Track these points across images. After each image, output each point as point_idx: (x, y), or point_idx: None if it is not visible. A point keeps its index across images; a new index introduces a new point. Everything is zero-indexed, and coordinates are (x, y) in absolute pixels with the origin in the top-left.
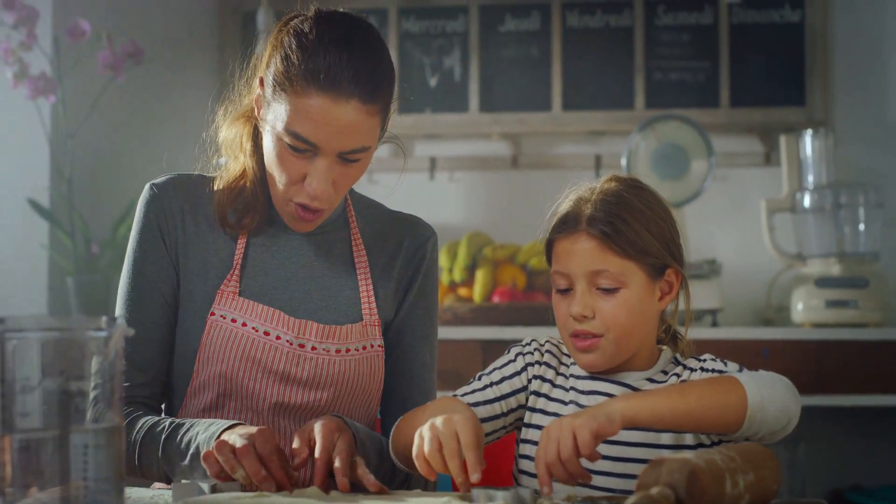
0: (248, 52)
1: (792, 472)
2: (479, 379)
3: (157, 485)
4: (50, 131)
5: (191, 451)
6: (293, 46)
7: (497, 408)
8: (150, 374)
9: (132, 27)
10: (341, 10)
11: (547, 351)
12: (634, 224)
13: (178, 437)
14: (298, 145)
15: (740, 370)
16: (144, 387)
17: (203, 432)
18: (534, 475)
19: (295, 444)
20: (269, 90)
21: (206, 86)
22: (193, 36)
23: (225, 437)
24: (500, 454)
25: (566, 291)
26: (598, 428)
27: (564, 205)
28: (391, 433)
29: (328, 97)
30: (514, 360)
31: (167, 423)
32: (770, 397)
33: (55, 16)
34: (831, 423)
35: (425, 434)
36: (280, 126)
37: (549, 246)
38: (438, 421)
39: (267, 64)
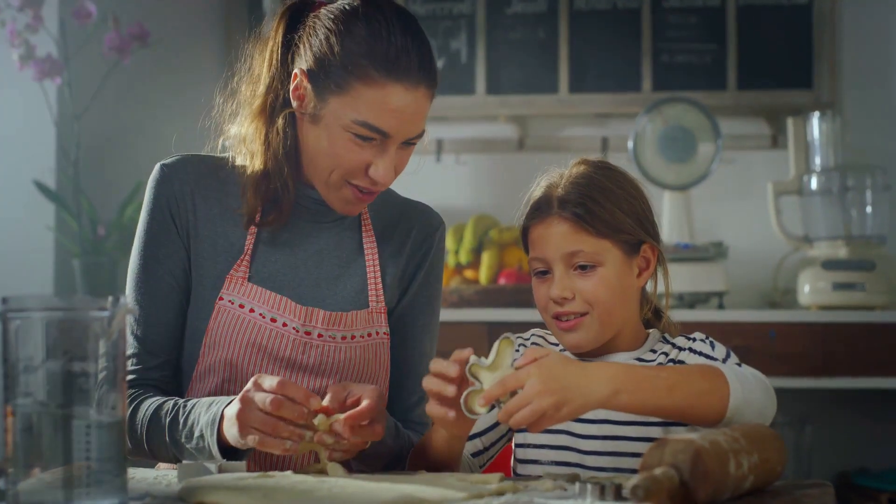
0: (252, 42)
1: (798, 454)
2: None
3: (161, 465)
4: (56, 113)
5: (195, 435)
6: (349, 34)
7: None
8: (163, 358)
9: (138, 9)
10: None
11: (533, 343)
12: (606, 203)
13: (181, 420)
14: (369, 134)
15: (728, 356)
16: (156, 370)
17: (204, 414)
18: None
19: (326, 402)
20: (321, 80)
21: (212, 68)
22: (200, 18)
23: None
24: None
25: (544, 274)
26: (571, 416)
27: (536, 191)
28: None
29: (402, 85)
30: None
31: (170, 406)
32: (750, 401)
33: None
34: (838, 406)
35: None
36: (348, 117)
37: (525, 233)
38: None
39: (313, 52)
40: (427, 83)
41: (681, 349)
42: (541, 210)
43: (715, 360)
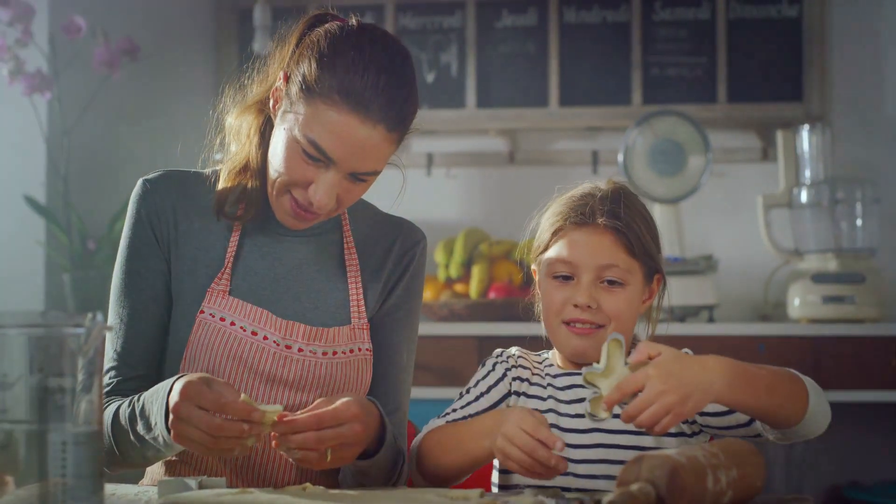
0: (274, 43)
1: (789, 468)
2: (468, 392)
3: (143, 482)
4: (46, 128)
5: (152, 424)
6: (331, 56)
7: None
8: (141, 371)
9: (128, 24)
10: (383, 28)
11: (520, 357)
12: (642, 226)
13: (137, 414)
14: (315, 154)
15: None
16: (133, 381)
17: (156, 403)
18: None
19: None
20: (294, 89)
21: (202, 82)
22: (189, 32)
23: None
24: None
25: (566, 278)
26: (696, 410)
27: (568, 199)
28: (417, 449)
29: (356, 117)
30: (494, 370)
31: (126, 403)
32: (821, 407)
33: (51, 12)
34: None
35: (506, 450)
36: (299, 130)
37: (554, 234)
38: (505, 432)
39: (297, 61)
40: (388, 125)
41: None
42: (583, 215)
43: None
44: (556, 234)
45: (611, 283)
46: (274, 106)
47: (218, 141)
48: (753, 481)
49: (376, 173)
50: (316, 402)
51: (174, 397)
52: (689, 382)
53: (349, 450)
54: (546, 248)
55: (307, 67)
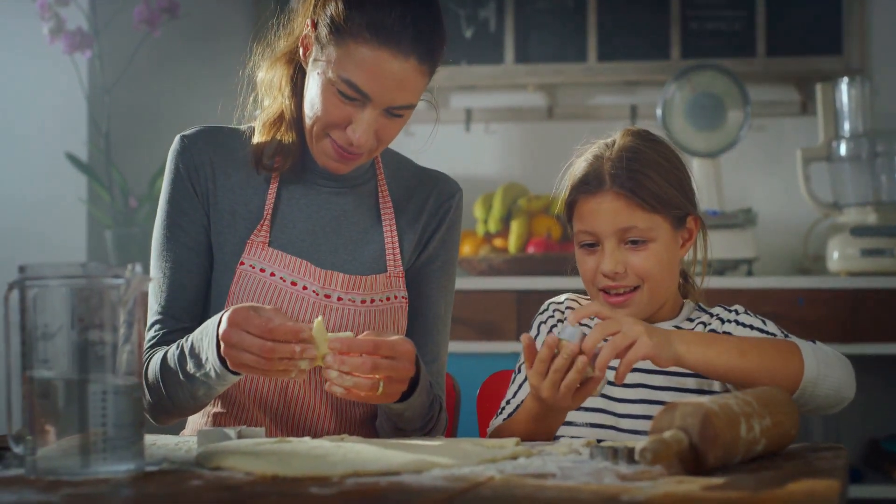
0: None
1: (827, 420)
2: (519, 371)
3: (184, 432)
4: (87, 86)
5: (203, 360)
6: None
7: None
8: (186, 323)
9: None
10: None
11: (567, 307)
12: (657, 178)
13: (187, 353)
14: (350, 93)
15: (785, 335)
16: (178, 333)
17: (204, 339)
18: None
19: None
20: (323, 32)
21: (241, 39)
22: None
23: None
24: None
25: (592, 246)
26: (655, 355)
27: (581, 164)
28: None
29: (388, 52)
30: (539, 333)
31: (174, 346)
32: (827, 376)
33: None
34: (866, 372)
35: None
36: (333, 72)
37: (571, 205)
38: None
39: (322, 6)
40: (419, 57)
41: (724, 321)
42: (591, 185)
43: (771, 334)
44: (572, 206)
45: (634, 242)
46: (304, 54)
47: (251, 99)
48: (787, 430)
49: (412, 107)
50: (365, 334)
51: (223, 326)
52: (652, 333)
53: (396, 386)
54: (570, 218)
55: (334, 9)
